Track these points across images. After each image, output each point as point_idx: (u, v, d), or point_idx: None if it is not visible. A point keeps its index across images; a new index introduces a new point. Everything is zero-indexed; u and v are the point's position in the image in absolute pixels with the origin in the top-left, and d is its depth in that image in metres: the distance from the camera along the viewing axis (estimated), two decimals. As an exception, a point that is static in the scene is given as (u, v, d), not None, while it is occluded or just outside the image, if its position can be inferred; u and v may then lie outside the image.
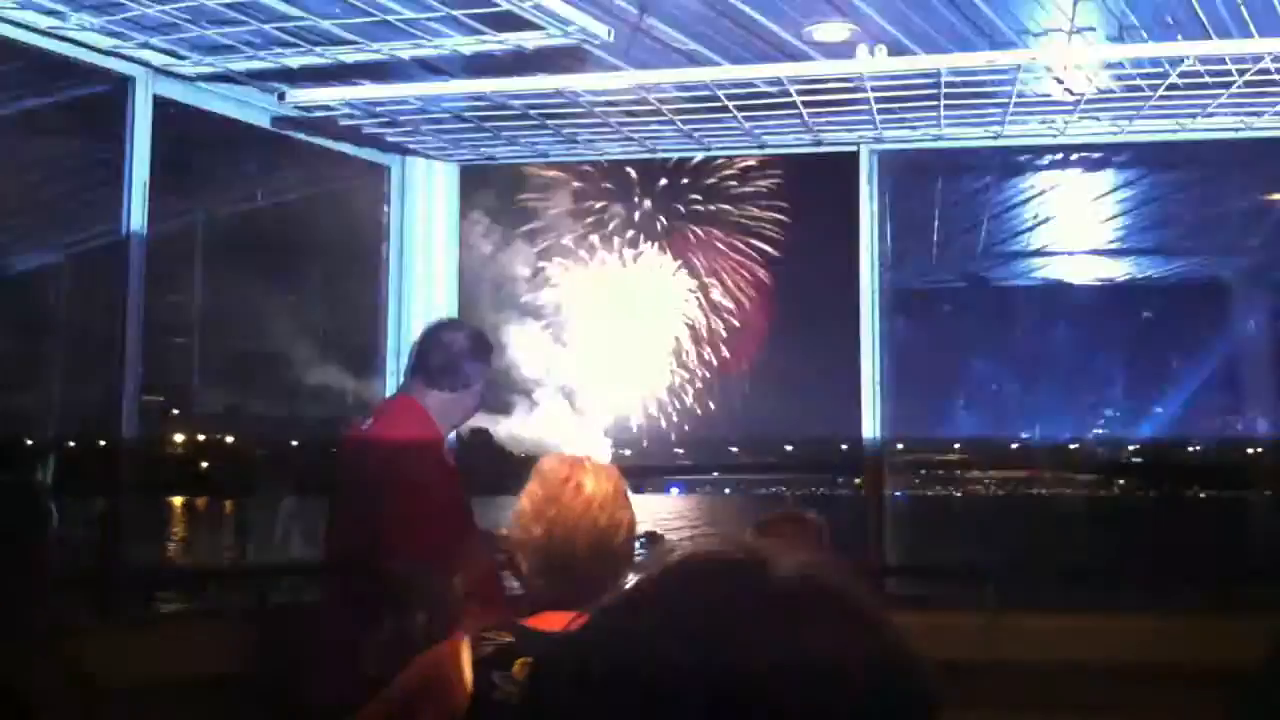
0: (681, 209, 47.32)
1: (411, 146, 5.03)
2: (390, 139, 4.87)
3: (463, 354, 3.92)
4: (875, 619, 0.68)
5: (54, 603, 3.35)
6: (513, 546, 2.36)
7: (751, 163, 44.69)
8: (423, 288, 5.14)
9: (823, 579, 0.68)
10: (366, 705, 2.33)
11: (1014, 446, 73.44)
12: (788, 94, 4.27)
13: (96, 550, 4.01)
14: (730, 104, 4.37)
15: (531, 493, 2.33)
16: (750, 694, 0.61)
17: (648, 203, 47.74)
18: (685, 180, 47.22)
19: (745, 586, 0.66)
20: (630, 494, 2.43)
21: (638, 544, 4.59)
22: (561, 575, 2.28)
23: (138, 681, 3.48)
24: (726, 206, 47.15)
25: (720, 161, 42.85)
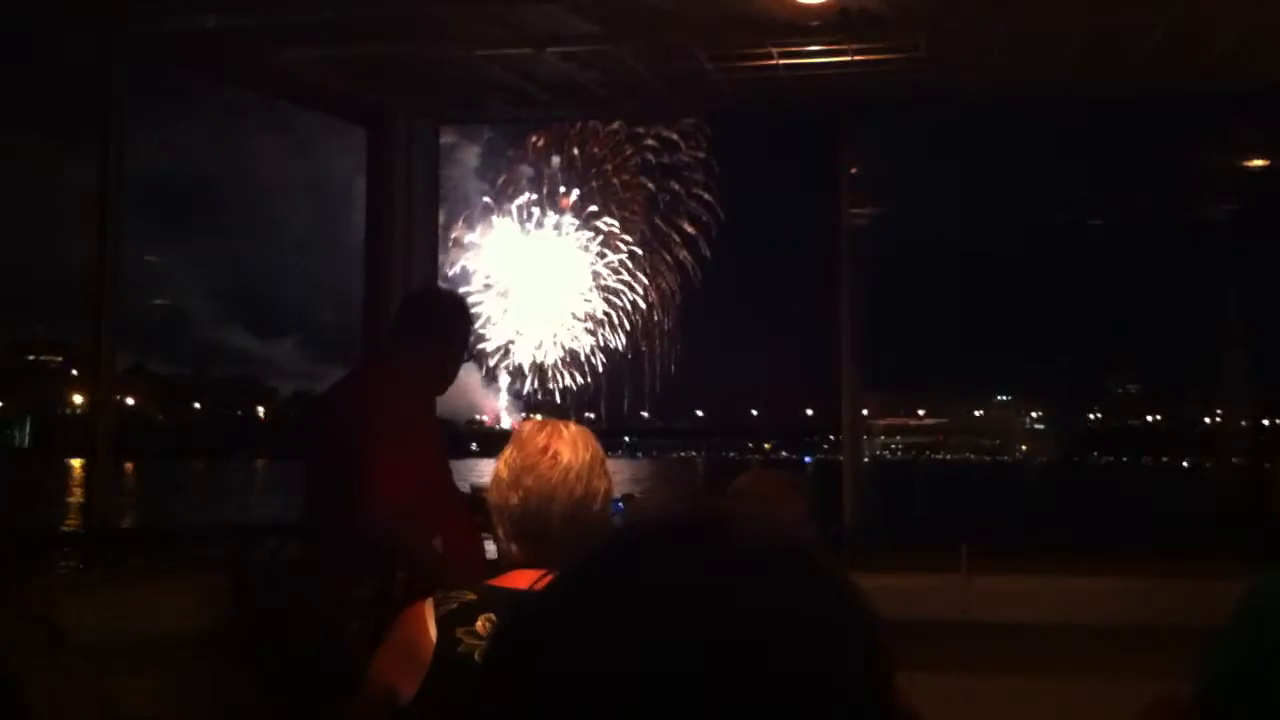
0: (594, 181, 46.84)
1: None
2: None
3: (444, 318, 3.97)
4: (835, 578, 0.68)
5: None
6: (489, 511, 2.33)
7: (674, 135, 44.48)
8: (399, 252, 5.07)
9: (784, 538, 0.69)
10: (355, 703, 2.27)
11: (921, 413, 74.91)
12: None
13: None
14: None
15: (509, 459, 2.29)
16: (713, 655, 0.61)
17: (559, 171, 47.20)
18: (598, 150, 46.67)
19: (708, 547, 0.66)
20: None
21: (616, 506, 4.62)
22: (537, 542, 2.25)
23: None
24: (646, 181, 46.83)
25: (640, 131, 42.33)
